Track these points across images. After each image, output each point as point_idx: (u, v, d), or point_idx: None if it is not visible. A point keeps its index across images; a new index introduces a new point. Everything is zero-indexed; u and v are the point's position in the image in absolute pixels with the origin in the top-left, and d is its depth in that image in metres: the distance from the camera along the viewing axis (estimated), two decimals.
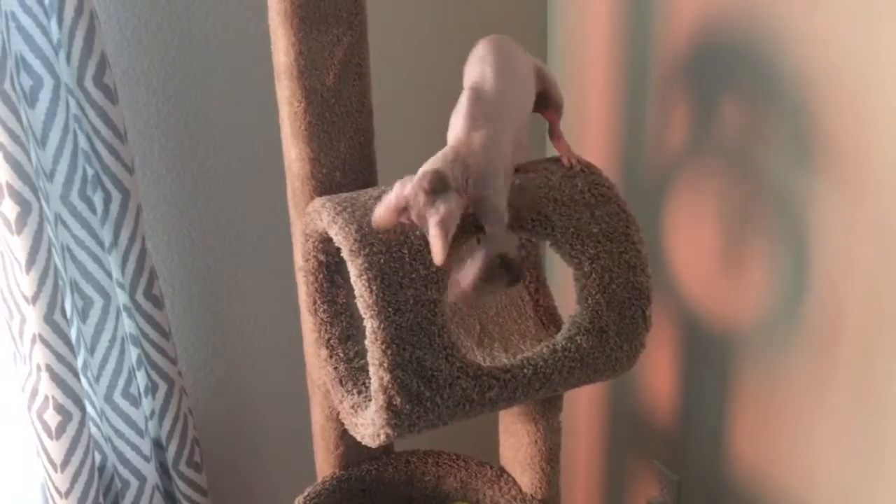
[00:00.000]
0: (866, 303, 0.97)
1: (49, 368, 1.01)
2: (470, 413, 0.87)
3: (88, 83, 0.99)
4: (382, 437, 0.86)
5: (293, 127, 0.95)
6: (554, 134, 0.95)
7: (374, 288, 0.81)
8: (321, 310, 1.01)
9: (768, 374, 1.11)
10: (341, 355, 1.01)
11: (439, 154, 0.77)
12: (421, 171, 0.75)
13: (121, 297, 1.11)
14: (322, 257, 0.98)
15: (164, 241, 1.19)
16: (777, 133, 1.02)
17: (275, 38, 0.93)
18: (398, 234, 0.82)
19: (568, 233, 0.89)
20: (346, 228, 0.84)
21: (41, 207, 0.97)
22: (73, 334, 1.06)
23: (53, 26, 0.97)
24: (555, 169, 0.94)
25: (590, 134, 1.32)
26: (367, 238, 0.83)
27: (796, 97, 0.99)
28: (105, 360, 1.10)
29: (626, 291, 0.90)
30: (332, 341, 1.01)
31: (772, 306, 1.08)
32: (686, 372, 1.25)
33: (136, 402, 1.14)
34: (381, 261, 0.82)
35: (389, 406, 0.82)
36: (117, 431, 1.13)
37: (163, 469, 1.21)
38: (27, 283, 0.97)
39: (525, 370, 0.89)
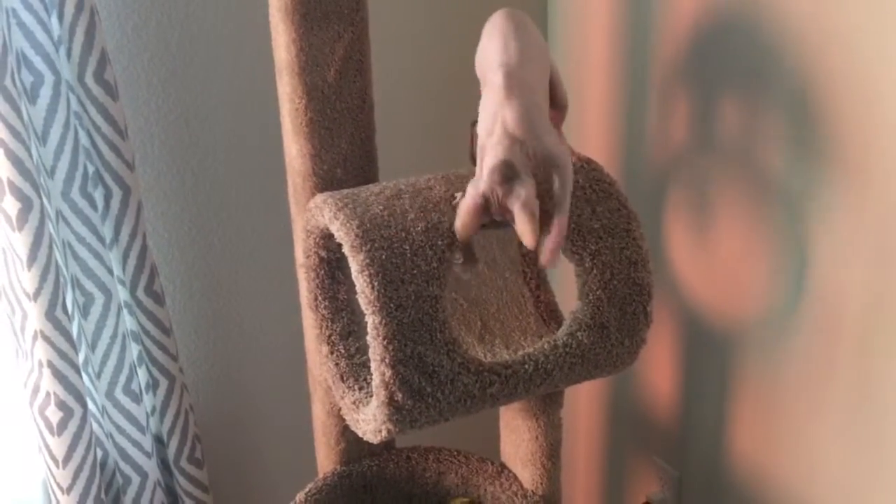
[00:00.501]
0: (867, 301, 0.97)
1: (51, 365, 1.01)
2: (471, 409, 0.88)
3: (89, 80, 0.99)
4: (384, 433, 0.86)
5: (294, 123, 0.95)
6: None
7: (376, 284, 0.81)
8: (322, 306, 1.01)
9: (769, 370, 1.11)
10: (342, 351, 1.01)
11: (492, 143, 0.76)
12: (487, 166, 0.75)
13: (122, 294, 1.11)
14: (323, 253, 0.98)
15: (164, 238, 1.19)
16: (778, 131, 1.02)
17: (275, 34, 0.93)
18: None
19: (570, 229, 0.89)
20: (348, 224, 0.84)
21: (42, 204, 0.97)
22: (74, 331, 1.06)
23: (54, 23, 0.97)
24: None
25: (591, 131, 1.32)
26: (369, 234, 0.83)
27: (798, 95, 0.99)
28: (106, 356, 1.10)
29: (627, 287, 0.90)
30: (333, 337, 1.01)
31: (773, 303, 1.08)
32: (687, 368, 1.25)
33: (137, 398, 1.14)
34: (383, 257, 0.82)
35: (391, 402, 0.82)
36: (119, 428, 1.13)
37: (164, 465, 1.21)
38: (28, 279, 0.97)
39: (526, 366, 0.89)
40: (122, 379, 1.12)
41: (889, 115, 0.89)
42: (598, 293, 0.89)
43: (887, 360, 0.96)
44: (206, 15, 1.13)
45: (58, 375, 1.02)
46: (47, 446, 1.04)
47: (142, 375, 1.16)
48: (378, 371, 0.82)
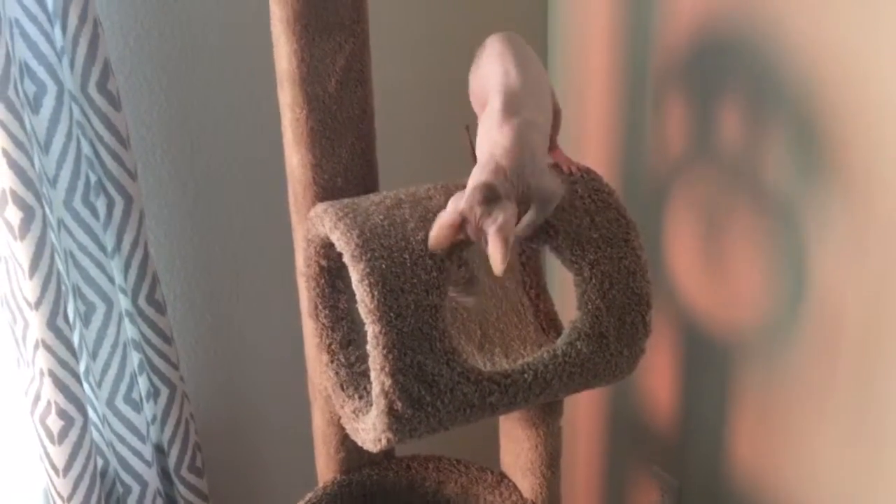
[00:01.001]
0: (866, 309, 0.97)
1: (52, 373, 1.01)
2: (471, 418, 0.88)
3: (92, 90, 1.00)
4: (383, 442, 0.86)
5: (295, 133, 0.95)
6: (551, 145, 0.95)
7: (376, 293, 0.81)
8: (322, 315, 1.01)
9: (769, 378, 1.11)
10: (342, 360, 1.01)
11: (481, 164, 0.78)
12: (470, 185, 0.76)
13: (123, 303, 1.12)
14: (323, 262, 0.98)
15: (166, 247, 1.20)
16: (777, 139, 1.03)
17: (277, 45, 0.94)
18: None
19: (569, 238, 0.89)
20: (348, 234, 0.85)
21: (44, 213, 0.97)
22: (75, 340, 1.07)
23: (57, 33, 0.98)
24: (555, 175, 0.94)
25: (590, 140, 1.33)
26: (369, 243, 0.84)
27: (797, 103, 0.99)
28: (107, 365, 1.11)
29: (625, 297, 0.91)
30: (333, 346, 1.01)
31: (772, 312, 1.09)
32: (686, 377, 1.26)
33: (137, 407, 1.14)
34: (383, 266, 0.83)
35: (391, 411, 0.83)
36: (119, 436, 1.14)
37: (164, 474, 1.21)
38: (30, 288, 0.98)
39: (525, 375, 0.89)
40: (123, 388, 1.12)
41: (891, 121, 0.90)
42: (596, 303, 0.90)
43: (886, 369, 0.96)
44: (208, 26, 1.14)
45: (59, 384, 1.02)
46: (48, 455, 1.04)
47: (142, 384, 1.16)
48: (378, 380, 0.82)
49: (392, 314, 0.81)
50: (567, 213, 0.90)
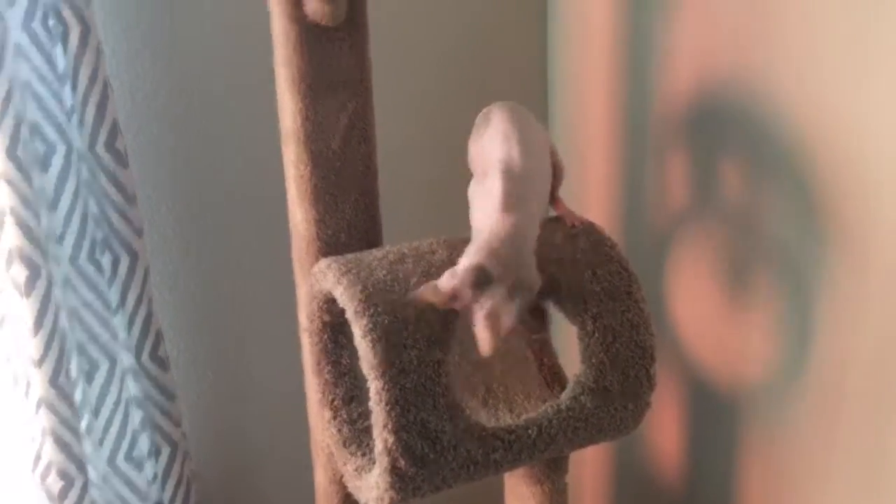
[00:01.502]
0: (870, 363, 0.96)
1: (53, 432, 1.00)
2: (475, 475, 0.87)
3: (100, 148, 1.01)
4: (387, 501, 0.85)
5: (299, 189, 0.96)
6: (553, 198, 0.96)
7: (378, 349, 0.81)
8: (325, 370, 1.00)
9: (776, 433, 1.10)
10: (345, 416, 1.00)
11: (478, 244, 0.79)
12: (465, 264, 0.77)
13: (126, 360, 1.12)
14: (327, 318, 0.98)
15: (169, 303, 1.20)
16: (777, 194, 1.04)
17: (282, 103, 0.95)
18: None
19: (571, 291, 0.89)
20: (351, 289, 0.85)
21: (49, 271, 0.98)
22: (77, 397, 1.06)
23: (67, 93, 1.00)
24: (556, 228, 0.95)
25: (590, 193, 1.34)
26: (372, 298, 0.84)
27: (795, 159, 1.00)
28: (109, 423, 1.10)
29: (629, 350, 0.90)
30: (335, 402, 1.00)
31: (777, 365, 1.08)
32: (692, 431, 1.24)
33: (139, 465, 1.13)
34: (385, 321, 0.83)
35: (394, 469, 0.82)
36: (120, 496, 1.12)
37: None
38: (34, 346, 0.98)
39: (530, 431, 0.88)
40: (125, 446, 1.11)
41: (889, 177, 0.90)
42: (600, 356, 0.89)
43: (893, 423, 0.95)
44: (214, 85, 1.16)
45: (60, 443, 1.01)
46: None
47: (144, 442, 1.15)
48: (380, 437, 0.82)
49: (395, 370, 0.81)
50: (570, 267, 0.90)
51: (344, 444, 0.98)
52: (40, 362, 0.98)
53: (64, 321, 1.04)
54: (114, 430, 1.10)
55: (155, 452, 1.14)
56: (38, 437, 1.01)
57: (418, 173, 1.30)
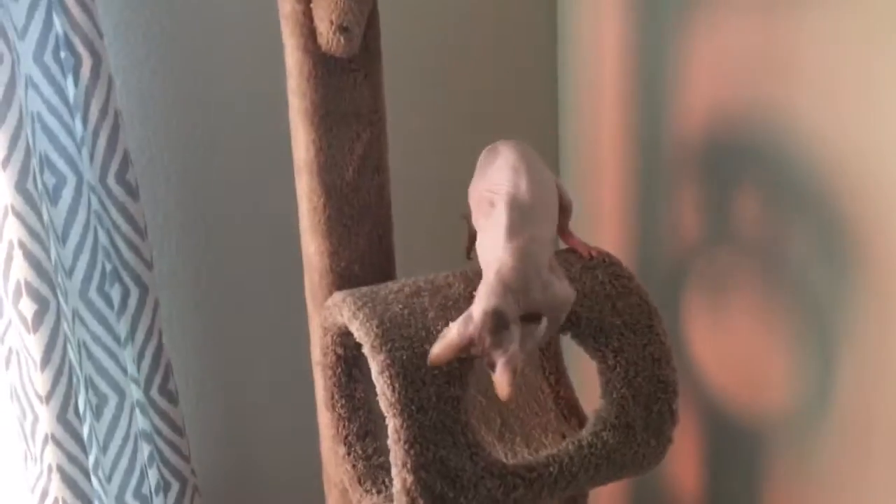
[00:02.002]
0: None
1: (60, 469, 0.98)
2: None
3: (111, 180, 1.00)
4: None
5: (312, 221, 0.95)
6: (563, 231, 0.95)
7: (397, 385, 0.80)
8: (339, 405, 0.99)
9: (798, 469, 1.08)
10: (360, 452, 0.98)
11: (489, 286, 0.78)
12: (480, 310, 0.76)
13: (135, 393, 1.10)
14: (340, 351, 0.96)
15: (179, 336, 1.18)
16: (799, 225, 1.02)
17: (295, 134, 0.94)
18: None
19: (591, 325, 0.88)
20: (368, 324, 0.83)
21: (59, 304, 0.96)
22: (84, 432, 1.04)
23: (78, 125, 0.99)
24: (574, 260, 0.94)
25: (604, 225, 1.32)
26: (389, 333, 0.82)
27: (816, 189, 0.99)
28: (118, 458, 1.08)
29: (651, 385, 0.88)
30: (350, 437, 0.99)
31: (800, 400, 1.06)
32: (712, 464, 1.22)
33: (147, 502, 1.10)
34: (404, 357, 0.81)
35: None
36: None
37: None
38: (41, 381, 0.96)
39: (551, 468, 0.86)
40: (133, 482, 1.09)
41: None
42: (622, 391, 0.87)
43: None
44: (225, 117, 1.16)
45: (67, 480, 0.99)
46: None
47: (153, 478, 1.12)
48: (399, 476, 0.80)
49: (413, 407, 0.79)
50: (588, 300, 0.89)
51: (359, 481, 0.95)
52: (48, 398, 0.96)
53: (72, 355, 1.02)
54: (122, 465, 1.08)
55: (164, 488, 1.12)
56: (45, 474, 0.99)
57: (432, 204, 1.29)
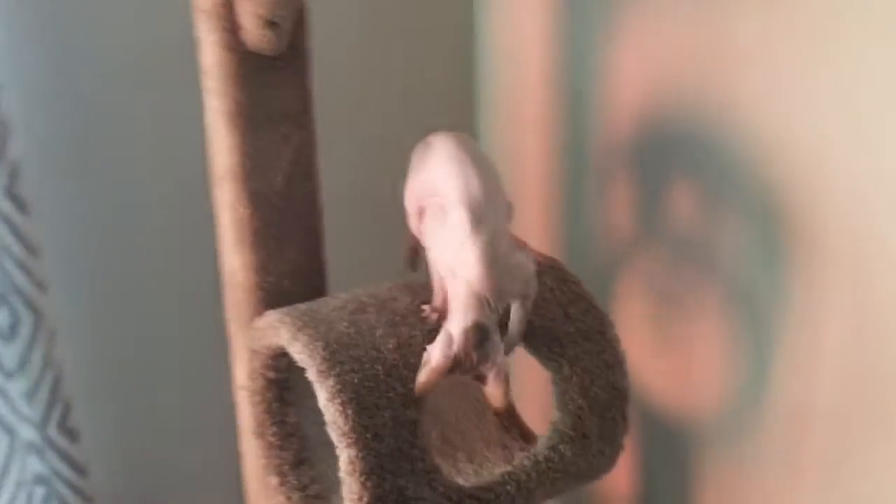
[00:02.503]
0: (835, 396, 0.96)
1: None
2: None
3: None
4: None
5: (237, 234, 0.87)
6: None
7: (350, 412, 0.73)
8: (270, 433, 0.91)
9: (733, 468, 1.09)
10: (294, 482, 0.92)
11: (462, 300, 0.74)
12: (459, 328, 0.73)
13: (27, 433, 0.98)
14: (271, 374, 0.89)
15: (80, 366, 1.07)
16: (730, 219, 1.03)
17: (215, 139, 0.86)
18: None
19: (546, 335, 0.84)
20: (312, 346, 0.77)
21: None
22: None
23: None
24: (519, 253, 0.90)
25: (531, 228, 1.29)
26: (336, 356, 0.76)
27: (750, 182, 0.99)
28: None
29: (606, 393, 0.86)
30: (283, 467, 0.92)
31: (733, 398, 1.06)
32: (645, 466, 1.22)
33: None
34: (355, 380, 0.75)
35: None
36: None
37: None
38: None
39: (508, 487, 0.82)
40: None
41: (849, 201, 0.90)
42: (578, 402, 0.85)
43: (858, 457, 0.95)
44: (128, 121, 1.06)
45: None
46: None
47: None
48: None
49: (369, 435, 0.73)
50: (541, 308, 0.85)
51: None
52: None
53: None
54: None
55: None
56: None
57: (362, 210, 1.23)
